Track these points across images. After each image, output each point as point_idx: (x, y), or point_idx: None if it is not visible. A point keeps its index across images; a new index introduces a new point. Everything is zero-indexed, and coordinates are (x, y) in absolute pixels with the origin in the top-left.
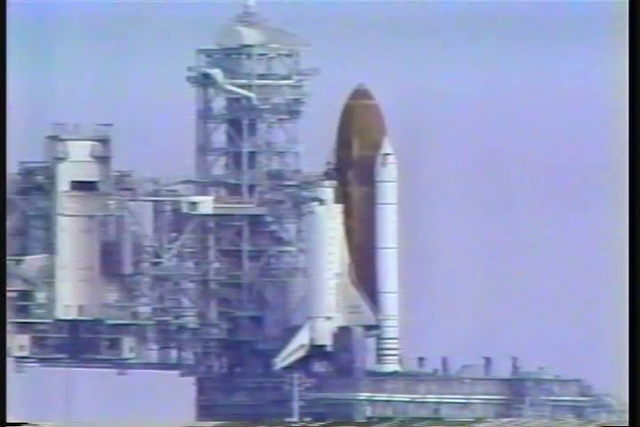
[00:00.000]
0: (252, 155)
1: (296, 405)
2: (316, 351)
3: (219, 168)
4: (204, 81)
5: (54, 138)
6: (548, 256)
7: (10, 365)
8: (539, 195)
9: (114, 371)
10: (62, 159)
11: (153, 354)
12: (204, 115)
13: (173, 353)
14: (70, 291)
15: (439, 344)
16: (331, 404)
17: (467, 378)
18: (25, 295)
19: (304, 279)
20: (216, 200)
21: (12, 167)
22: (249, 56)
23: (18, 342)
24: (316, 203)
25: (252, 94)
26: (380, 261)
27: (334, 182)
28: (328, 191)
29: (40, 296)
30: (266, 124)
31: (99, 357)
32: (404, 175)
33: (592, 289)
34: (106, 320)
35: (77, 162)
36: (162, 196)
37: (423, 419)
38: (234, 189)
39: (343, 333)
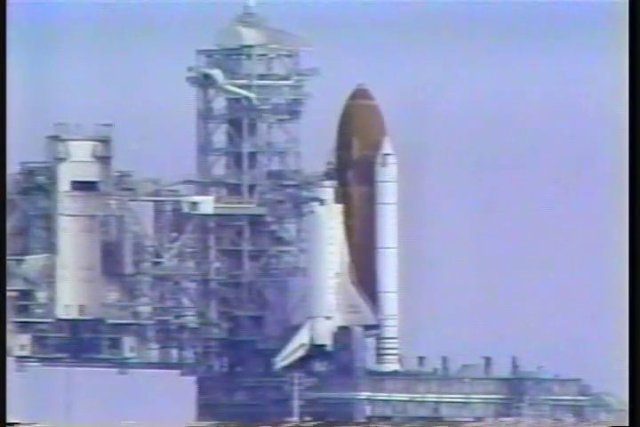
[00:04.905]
0: (252, 155)
1: (296, 404)
2: (316, 351)
3: (219, 168)
4: (205, 81)
5: (55, 138)
6: (548, 255)
7: (11, 364)
8: (539, 194)
9: (114, 370)
10: (63, 159)
11: (153, 353)
12: (205, 115)
13: (174, 353)
14: (71, 290)
15: (439, 344)
16: (331, 403)
17: (467, 378)
18: (26, 295)
19: (304, 279)
20: (217, 200)
21: (12, 167)
22: (249, 56)
23: (19, 342)
24: (316, 203)
25: (252, 95)
26: (380, 261)
27: (334, 182)
28: (328, 191)
29: (41, 296)
30: (266, 125)
31: (99, 356)
32: (404, 175)
33: (592, 289)
34: (106, 320)
35: (78, 162)
36: (162, 196)
37: (423, 418)
38: (234, 189)
39: (343, 332)
